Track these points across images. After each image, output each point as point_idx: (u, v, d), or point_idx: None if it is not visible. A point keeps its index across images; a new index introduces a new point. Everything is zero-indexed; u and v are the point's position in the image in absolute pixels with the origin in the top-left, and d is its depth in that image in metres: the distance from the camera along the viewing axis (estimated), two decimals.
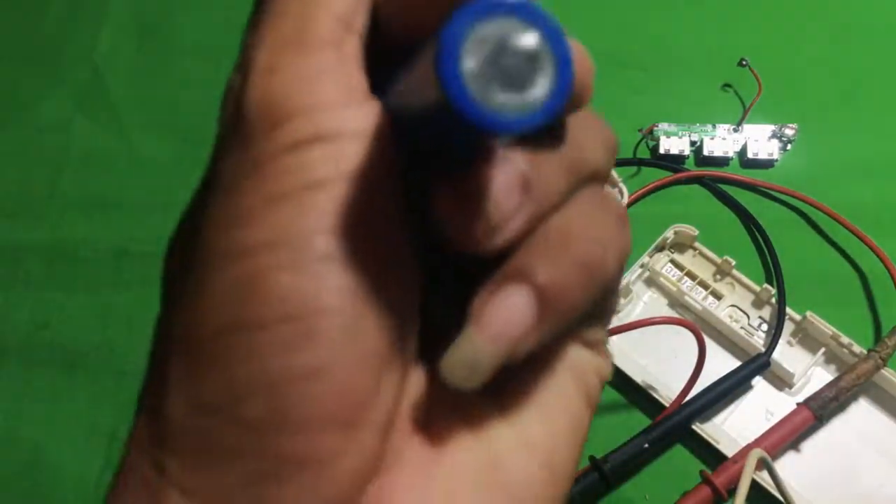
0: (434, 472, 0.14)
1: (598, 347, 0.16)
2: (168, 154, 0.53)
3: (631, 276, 0.47)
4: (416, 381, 0.15)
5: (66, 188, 0.52)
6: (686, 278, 0.47)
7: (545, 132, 0.14)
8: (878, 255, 0.46)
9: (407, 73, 0.13)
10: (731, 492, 0.40)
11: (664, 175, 0.51)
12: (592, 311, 0.15)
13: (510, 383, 0.15)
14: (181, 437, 0.13)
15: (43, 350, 0.47)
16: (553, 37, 0.12)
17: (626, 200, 0.48)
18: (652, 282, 0.48)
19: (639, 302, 0.48)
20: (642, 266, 0.47)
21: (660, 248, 0.48)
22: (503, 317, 0.13)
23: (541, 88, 0.12)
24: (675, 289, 0.47)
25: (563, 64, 0.12)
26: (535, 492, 0.14)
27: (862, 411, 0.44)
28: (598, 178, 0.16)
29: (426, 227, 0.14)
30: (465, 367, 0.13)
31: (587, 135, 0.15)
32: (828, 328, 0.44)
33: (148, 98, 0.55)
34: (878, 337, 0.46)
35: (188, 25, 0.57)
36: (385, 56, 0.15)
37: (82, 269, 0.50)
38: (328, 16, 0.14)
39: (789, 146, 0.51)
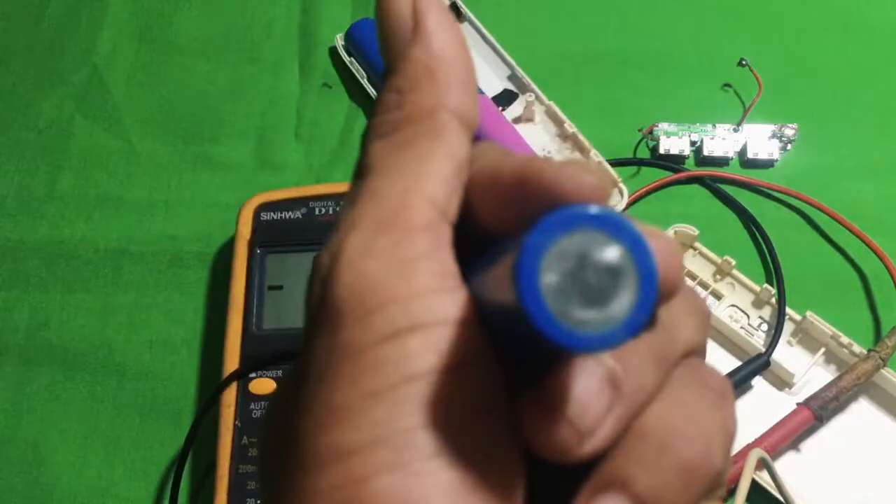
0: None
1: None
2: (168, 154, 0.53)
3: None
4: None
5: (66, 188, 0.52)
6: (686, 278, 0.47)
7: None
8: (878, 255, 0.46)
9: (491, 269, 0.13)
10: (731, 491, 0.40)
11: (664, 175, 0.51)
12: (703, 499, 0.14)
13: None
14: None
15: (43, 350, 0.47)
16: (637, 250, 0.12)
17: (626, 200, 0.48)
18: None
19: None
20: None
21: None
22: None
23: (623, 304, 0.11)
24: None
25: (647, 278, 0.12)
26: None
27: (862, 411, 0.44)
28: (694, 354, 0.15)
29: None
30: None
31: (678, 316, 0.14)
32: (828, 328, 0.44)
33: (148, 98, 0.55)
34: (878, 337, 0.46)
35: (188, 25, 0.57)
36: (467, 243, 0.14)
37: (82, 269, 0.49)
38: (426, 202, 0.13)
39: (789, 146, 0.51)
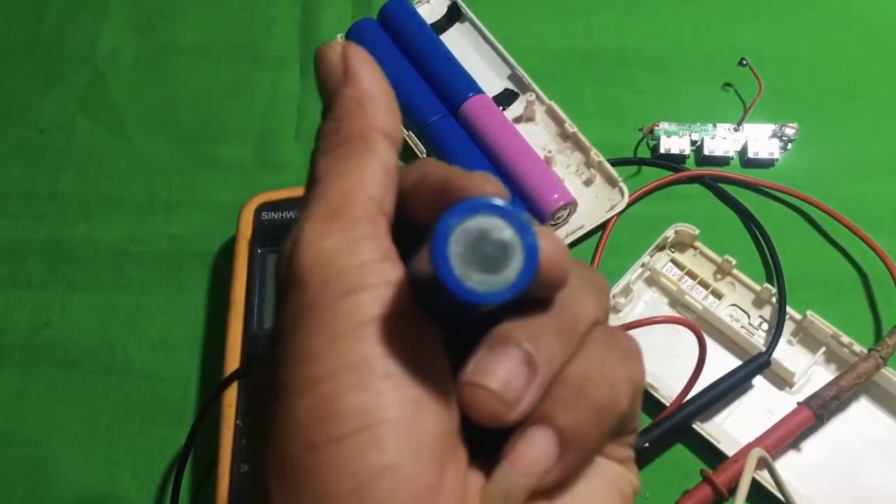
0: None
1: (627, 463, 0.19)
2: (169, 154, 0.53)
3: (631, 275, 0.47)
4: (475, 480, 0.17)
5: (67, 188, 0.52)
6: (686, 278, 0.47)
7: (535, 305, 0.17)
8: (878, 255, 0.46)
9: (419, 249, 0.17)
10: (732, 491, 0.40)
11: (665, 174, 0.51)
12: (614, 434, 0.19)
13: (558, 492, 0.18)
14: None
15: (43, 350, 0.47)
16: (523, 231, 0.15)
17: (626, 200, 0.48)
18: (652, 281, 0.48)
19: (639, 301, 0.48)
20: (643, 265, 0.47)
21: (660, 248, 0.48)
22: (530, 455, 0.16)
23: (511, 271, 0.15)
24: (675, 288, 0.47)
25: (530, 252, 0.15)
26: None
27: (862, 410, 0.44)
28: (601, 322, 0.19)
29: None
30: (502, 495, 0.16)
31: (577, 296, 0.18)
32: (828, 327, 0.44)
33: (149, 98, 0.55)
34: (878, 336, 0.46)
35: (189, 25, 0.57)
36: (408, 232, 0.19)
37: (83, 268, 0.50)
38: (365, 198, 0.18)
39: (790, 145, 0.51)
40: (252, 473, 0.18)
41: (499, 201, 0.15)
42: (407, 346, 0.16)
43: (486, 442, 0.17)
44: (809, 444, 0.43)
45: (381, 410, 0.16)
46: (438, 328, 0.17)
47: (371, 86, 0.19)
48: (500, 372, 0.16)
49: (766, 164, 0.51)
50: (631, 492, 0.19)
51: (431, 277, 0.15)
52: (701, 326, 0.43)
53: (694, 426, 0.43)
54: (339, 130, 0.19)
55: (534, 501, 0.17)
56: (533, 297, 0.17)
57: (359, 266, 0.17)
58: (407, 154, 0.52)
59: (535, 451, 0.16)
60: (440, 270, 0.15)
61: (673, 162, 0.51)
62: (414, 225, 0.19)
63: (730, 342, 0.46)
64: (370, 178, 0.18)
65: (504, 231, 0.15)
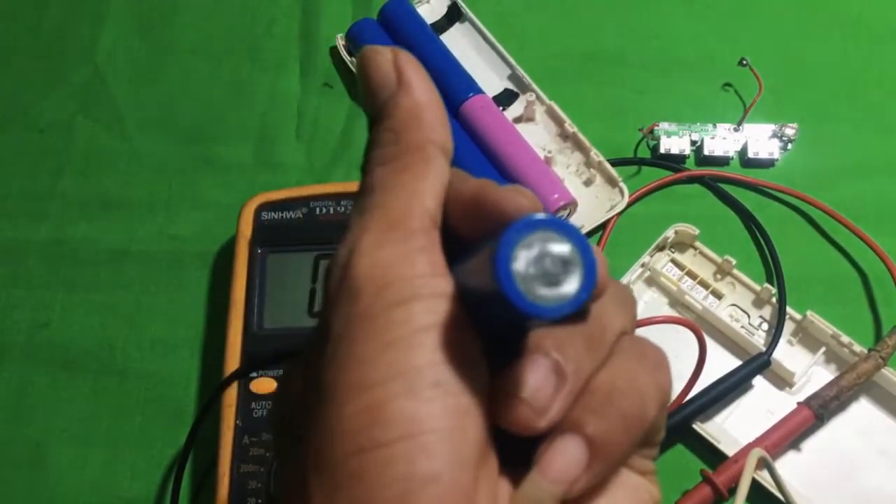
0: None
1: (650, 476, 0.20)
2: (169, 154, 0.53)
3: (631, 275, 0.47)
4: (504, 488, 0.18)
5: (67, 188, 0.52)
6: (686, 278, 0.47)
7: (571, 317, 0.17)
8: (878, 255, 0.46)
9: (469, 263, 0.17)
10: (732, 491, 0.40)
11: (665, 175, 0.51)
12: (640, 445, 0.19)
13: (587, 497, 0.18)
14: None
15: (43, 350, 0.47)
16: (582, 247, 0.16)
17: (626, 200, 0.48)
18: (652, 281, 0.48)
19: (639, 301, 0.48)
20: (643, 265, 0.47)
21: (660, 248, 0.48)
22: (560, 463, 0.17)
23: (572, 286, 0.16)
24: (675, 288, 0.47)
25: (589, 267, 0.16)
26: None
27: (862, 411, 0.44)
28: (628, 333, 0.19)
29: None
30: (532, 502, 0.17)
31: (607, 308, 0.18)
32: (828, 327, 0.44)
33: (149, 98, 0.55)
34: (878, 336, 0.46)
35: (189, 25, 0.57)
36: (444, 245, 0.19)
37: (83, 268, 0.50)
38: (423, 211, 0.18)
39: (790, 146, 0.51)
40: (289, 474, 0.18)
41: (555, 217, 0.16)
42: (456, 357, 0.17)
43: (513, 450, 0.18)
44: (809, 444, 0.43)
45: (429, 419, 0.16)
46: (480, 340, 0.18)
47: (427, 97, 0.19)
48: (531, 380, 0.17)
49: (766, 164, 0.51)
50: (654, 502, 0.20)
51: (493, 292, 0.15)
52: (701, 326, 0.43)
53: (694, 426, 0.43)
54: (397, 141, 0.19)
55: None
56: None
57: (412, 278, 0.17)
58: None
59: (564, 459, 0.17)
60: (505, 287, 0.15)
61: (673, 162, 0.51)
62: (447, 234, 0.19)
63: (730, 342, 0.46)
64: (428, 190, 0.18)
65: (564, 247, 0.16)
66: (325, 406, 0.17)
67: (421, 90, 0.19)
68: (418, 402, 0.16)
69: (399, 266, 0.17)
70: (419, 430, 0.16)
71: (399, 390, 0.16)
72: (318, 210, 0.46)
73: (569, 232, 0.16)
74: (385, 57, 0.19)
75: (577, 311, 0.16)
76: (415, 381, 0.16)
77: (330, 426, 0.16)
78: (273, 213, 0.46)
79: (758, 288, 0.46)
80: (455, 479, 0.16)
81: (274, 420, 0.20)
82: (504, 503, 0.17)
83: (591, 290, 0.16)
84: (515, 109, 0.52)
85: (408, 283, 0.17)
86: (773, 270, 0.47)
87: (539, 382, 0.17)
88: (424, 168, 0.18)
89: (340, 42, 0.54)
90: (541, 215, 0.16)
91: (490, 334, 0.18)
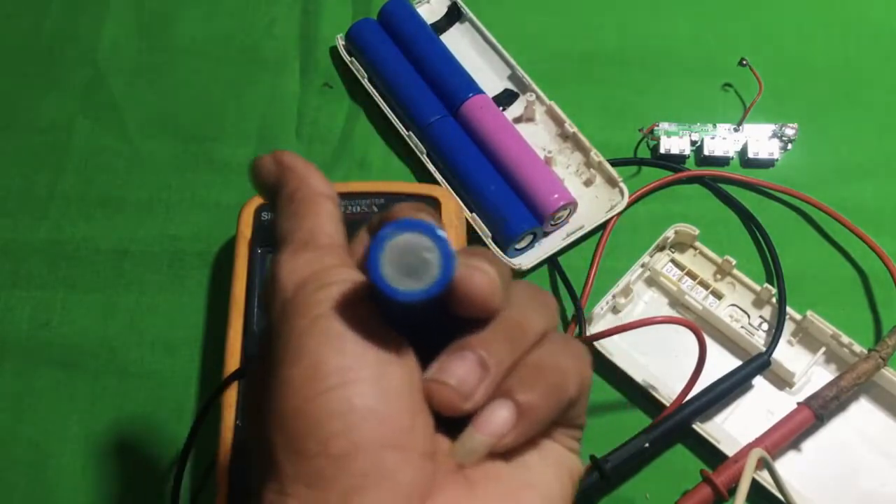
0: (472, 494, 0.21)
1: (575, 453, 0.24)
2: (169, 154, 0.53)
3: (632, 275, 0.47)
4: (443, 443, 0.21)
5: (68, 188, 0.52)
6: (686, 278, 0.47)
7: (486, 322, 0.21)
8: (878, 255, 0.46)
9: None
10: (732, 491, 0.40)
11: (665, 175, 0.51)
12: (564, 421, 0.23)
13: (518, 455, 0.22)
14: (295, 482, 0.19)
15: (43, 350, 0.47)
16: (441, 247, 0.19)
17: (626, 200, 0.48)
18: (652, 281, 0.48)
19: (639, 301, 0.48)
20: (643, 266, 0.47)
21: (660, 248, 0.48)
22: (492, 421, 0.21)
23: (428, 279, 0.19)
24: (675, 288, 0.47)
25: (446, 265, 0.19)
26: None
27: (862, 411, 0.44)
28: (550, 332, 0.23)
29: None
30: (467, 451, 0.21)
31: (524, 313, 0.22)
32: (828, 327, 0.44)
33: (149, 98, 0.55)
34: (878, 336, 0.46)
35: (189, 25, 0.57)
36: None
37: (83, 268, 0.50)
38: (326, 233, 0.23)
39: (790, 146, 0.51)
40: (256, 440, 0.21)
41: (420, 220, 0.19)
42: (373, 320, 0.20)
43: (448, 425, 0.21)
44: (809, 444, 0.43)
45: (357, 368, 0.19)
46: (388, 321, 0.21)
47: (304, 166, 0.24)
48: (458, 371, 0.20)
49: (766, 164, 0.51)
50: (577, 475, 0.24)
51: (369, 282, 0.19)
52: (701, 327, 0.43)
53: (694, 426, 0.43)
54: (292, 200, 0.23)
55: (493, 460, 0.21)
56: (476, 315, 0.21)
57: (326, 269, 0.21)
58: (407, 154, 0.52)
59: (496, 419, 0.21)
60: (372, 273, 0.19)
61: (673, 162, 0.51)
62: None
63: (730, 342, 0.46)
64: (326, 221, 0.23)
65: (426, 246, 0.19)
66: (275, 373, 0.20)
67: (300, 164, 0.24)
68: (347, 357, 0.20)
69: (313, 264, 0.21)
70: (351, 378, 0.19)
71: (330, 350, 0.20)
72: None
73: (432, 234, 0.19)
74: (266, 159, 0.25)
75: (431, 299, 0.19)
76: (342, 342, 0.20)
77: (282, 387, 0.20)
78: (273, 214, 0.46)
79: (758, 288, 0.46)
80: (389, 414, 0.19)
81: (245, 407, 0.23)
82: (444, 452, 0.21)
83: (445, 284, 0.19)
84: (515, 109, 0.52)
85: (323, 273, 0.21)
86: (773, 270, 0.47)
87: (466, 373, 0.20)
88: (317, 208, 0.23)
89: (340, 42, 0.55)
90: (412, 219, 0.19)
91: (412, 333, 0.21)
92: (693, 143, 0.51)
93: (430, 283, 0.19)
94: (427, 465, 0.20)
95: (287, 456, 0.19)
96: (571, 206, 0.48)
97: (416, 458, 0.20)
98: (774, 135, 0.52)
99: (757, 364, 0.43)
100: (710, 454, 0.43)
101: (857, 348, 0.44)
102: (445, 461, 0.21)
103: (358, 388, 0.19)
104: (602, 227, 0.49)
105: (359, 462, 0.19)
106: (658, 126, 0.52)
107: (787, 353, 0.45)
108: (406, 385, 0.20)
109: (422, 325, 0.21)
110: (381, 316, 0.21)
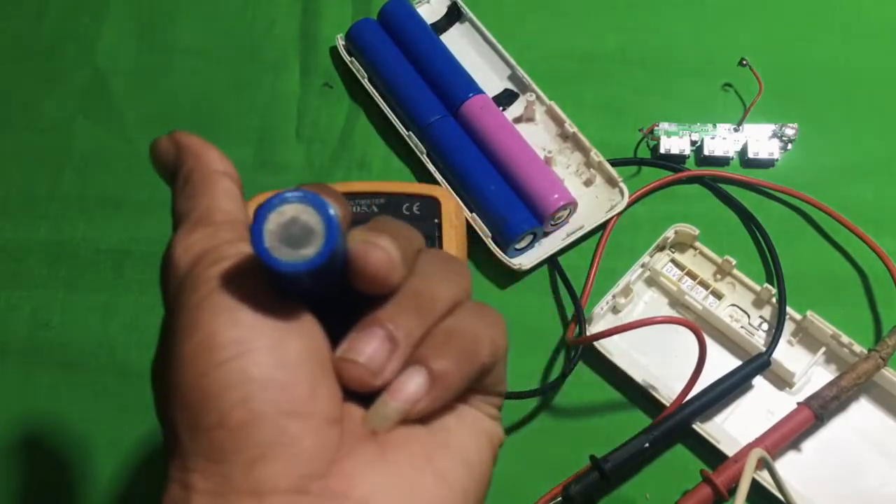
0: (384, 457, 0.20)
1: (495, 420, 0.24)
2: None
3: (632, 275, 0.47)
4: (356, 411, 0.21)
5: (68, 188, 0.52)
6: (686, 278, 0.47)
7: (392, 295, 0.21)
8: (878, 255, 0.46)
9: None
10: (732, 491, 0.40)
11: (665, 175, 0.51)
12: (481, 388, 0.23)
13: (434, 420, 0.22)
14: (196, 457, 0.19)
15: (44, 350, 0.47)
16: (325, 216, 0.19)
17: (626, 200, 0.48)
18: (652, 281, 0.48)
19: (639, 301, 0.48)
20: (643, 266, 0.47)
21: (660, 248, 0.48)
22: (406, 388, 0.20)
23: (311, 250, 0.18)
24: (675, 288, 0.47)
25: (329, 237, 0.18)
26: (460, 478, 0.21)
27: (862, 411, 0.44)
28: (463, 300, 0.23)
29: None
30: (380, 418, 0.20)
31: (430, 282, 0.22)
32: (828, 327, 0.44)
33: (149, 98, 0.55)
34: (878, 336, 0.46)
35: (189, 25, 0.57)
36: None
37: (83, 269, 0.50)
38: (223, 210, 0.22)
39: (790, 146, 0.51)
40: (163, 420, 0.21)
41: (305, 192, 0.19)
42: (266, 293, 0.20)
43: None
44: (809, 444, 0.43)
45: (252, 339, 0.19)
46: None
47: (202, 144, 0.24)
48: (367, 348, 0.20)
49: (766, 164, 0.51)
50: (497, 441, 0.23)
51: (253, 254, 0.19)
52: (701, 327, 0.43)
53: (694, 426, 0.43)
54: (189, 180, 0.23)
55: (411, 426, 0.21)
56: (377, 292, 0.21)
57: (220, 245, 0.21)
58: (407, 154, 0.52)
59: (409, 385, 0.20)
60: (255, 244, 0.18)
61: (673, 162, 0.51)
62: None
63: (730, 342, 0.46)
64: (222, 198, 0.23)
65: (311, 218, 0.19)
66: (172, 350, 0.20)
67: (197, 143, 0.24)
68: (241, 328, 0.19)
69: (207, 240, 0.21)
70: (247, 349, 0.19)
71: (224, 322, 0.19)
72: None
73: (317, 205, 0.19)
74: (163, 140, 0.24)
75: (316, 270, 0.18)
76: (237, 314, 0.19)
77: (178, 363, 0.20)
78: None
79: (758, 288, 0.46)
80: (289, 382, 0.19)
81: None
82: (355, 421, 0.21)
83: (327, 256, 0.18)
84: (515, 109, 0.52)
85: (216, 248, 0.21)
86: (773, 270, 0.47)
87: (375, 350, 0.20)
88: (214, 186, 0.23)
89: (340, 42, 0.55)
90: (297, 192, 0.19)
91: (315, 306, 0.21)
92: (693, 143, 0.51)
93: (312, 255, 0.18)
94: (332, 430, 0.20)
95: (187, 431, 0.19)
96: (571, 206, 0.48)
97: (320, 424, 0.19)
98: (774, 135, 0.52)
99: (757, 364, 0.43)
100: (710, 454, 0.43)
101: (857, 348, 0.44)
102: (357, 427, 0.20)
103: (254, 357, 0.19)
104: (602, 227, 0.49)
105: (259, 432, 0.19)
106: (658, 126, 0.52)
107: (787, 353, 0.45)
108: (305, 352, 0.20)
109: (327, 298, 0.21)
110: (276, 288, 0.20)
